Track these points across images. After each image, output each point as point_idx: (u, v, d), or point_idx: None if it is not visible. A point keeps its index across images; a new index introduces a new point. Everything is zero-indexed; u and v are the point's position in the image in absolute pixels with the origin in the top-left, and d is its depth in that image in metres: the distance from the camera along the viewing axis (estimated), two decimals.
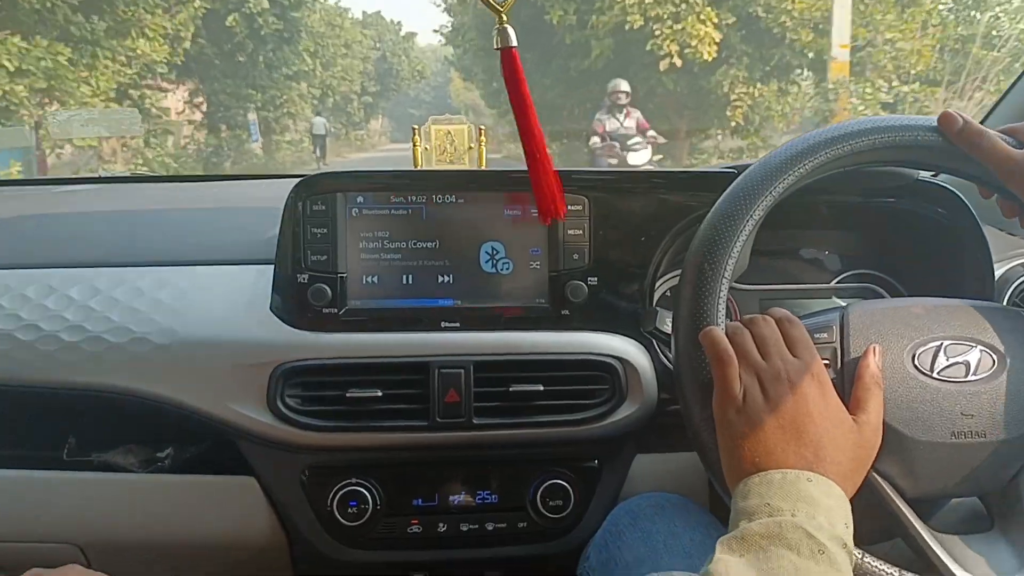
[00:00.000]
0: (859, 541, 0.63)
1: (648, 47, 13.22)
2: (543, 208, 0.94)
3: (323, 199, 1.00)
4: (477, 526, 1.03)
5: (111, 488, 1.03)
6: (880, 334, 0.74)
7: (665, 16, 12.87)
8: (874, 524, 0.70)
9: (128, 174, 2.07)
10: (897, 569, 0.67)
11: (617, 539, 0.89)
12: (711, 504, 1.01)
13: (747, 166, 0.81)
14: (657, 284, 1.08)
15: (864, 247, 1.18)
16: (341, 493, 1.00)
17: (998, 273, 1.07)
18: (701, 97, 14.16)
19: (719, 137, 15.16)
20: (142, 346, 0.97)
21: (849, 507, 0.62)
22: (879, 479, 0.70)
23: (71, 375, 0.97)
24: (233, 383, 0.96)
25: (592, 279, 1.02)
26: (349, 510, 1.00)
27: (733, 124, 13.77)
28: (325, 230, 1.00)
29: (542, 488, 1.02)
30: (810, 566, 0.56)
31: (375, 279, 1.02)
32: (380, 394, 0.96)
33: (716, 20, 12.81)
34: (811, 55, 12.85)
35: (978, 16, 11.27)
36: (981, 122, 0.76)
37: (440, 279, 1.03)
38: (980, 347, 0.73)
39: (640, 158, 8.14)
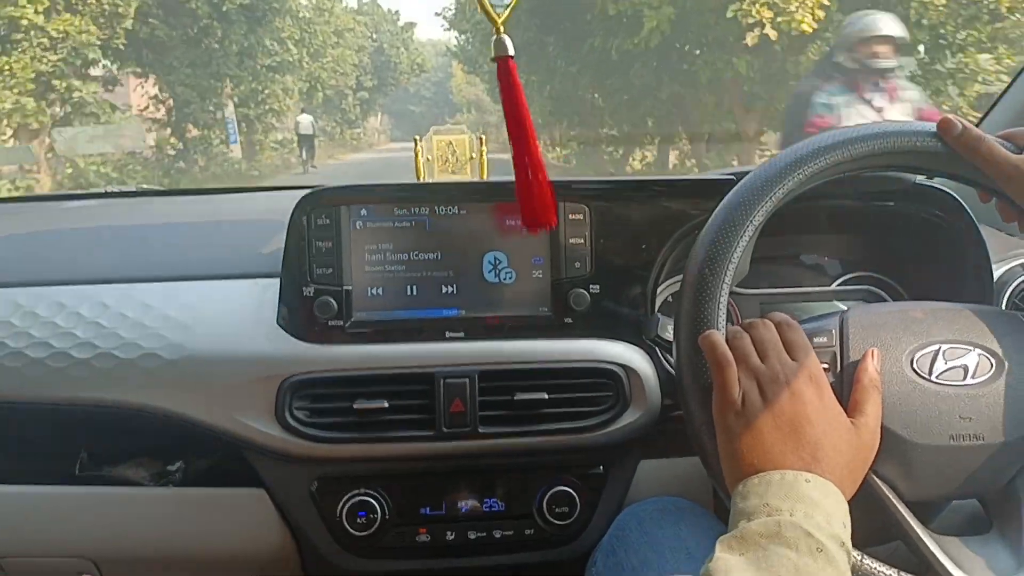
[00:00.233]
0: (858, 544, 0.64)
1: (730, 14, 10.21)
2: (529, 218, 0.94)
3: (327, 213, 1.01)
4: (485, 534, 1.04)
5: (123, 502, 1.05)
6: (879, 338, 0.75)
7: None
8: (873, 527, 0.71)
9: (135, 188, 2.06)
10: (896, 570, 0.68)
11: (623, 544, 0.90)
12: (716, 508, 1.02)
13: (746, 172, 0.82)
14: (659, 290, 1.09)
15: (863, 251, 1.19)
16: (350, 503, 1.01)
17: (997, 274, 1.08)
18: (776, 85, 11.25)
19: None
20: (152, 362, 0.98)
21: (847, 508, 0.63)
22: (878, 481, 0.71)
23: (82, 391, 0.98)
24: (242, 396, 0.97)
25: (594, 287, 1.03)
26: (358, 520, 1.01)
27: None
28: (330, 243, 1.01)
29: (548, 495, 1.03)
30: (808, 564, 0.57)
31: (380, 291, 1.03)
32: (387, 405, 0.97)
33: None
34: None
35: None
36: (976, 125, 0.77)
37: (444, 290, 1.04)
38: (978, 350, 0.74)
39: None
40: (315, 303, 1.00)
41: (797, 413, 0.67)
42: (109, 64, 13.85)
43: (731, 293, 0.78)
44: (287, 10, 19.12)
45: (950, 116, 0.77)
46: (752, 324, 0.75)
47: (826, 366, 0.74)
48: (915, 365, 0.74)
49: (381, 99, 37.80)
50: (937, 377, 0.73)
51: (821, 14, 9.73)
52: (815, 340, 0.75)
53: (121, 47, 13.05)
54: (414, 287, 1.03)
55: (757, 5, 9.92)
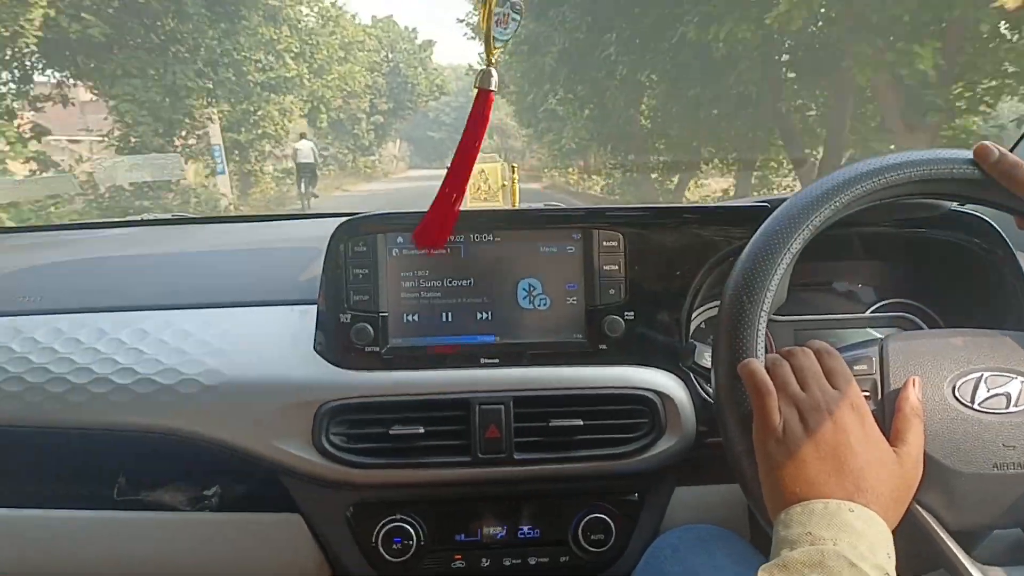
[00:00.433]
0: (903, 573, 0.63)
1: None
2: (425, 237, 1.02)
3: (364, 240, 1.03)
4: (520, 561, 1.04)
5: (160, 526, 1.06)
6: (919, 366, 0.75)
7: None
8: (917, 556, 0.70)
9: (170, 216, 2.10)
10: None
11: (659, 572, 0.89)
12: (752, 536, 1.01)
13: (782, 200, 0.82)
14: (693, 317, 1.09)
15: (898, 277, 1.18)
16: (386, 529, 1.01)
17: None
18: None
19: None
20: (191, 387, 0.99)
21: (891, 538, 0.63)
22: (921, 511, 0.71)
23: (122, 416, 0.99)
24: (279, 422, 0.98)
25: (629, 313, 1.04)
26: (394, 546, 1.01)
27: None
28: (366, 270, 1.03)
29: (583, 522, 1.03)
30: None
31: (416, 317, 1.04)
32: (423, 431, 0.98)
33: None
34: None
35: None
36: (1011, 150, 0.77)
37: (479, 316, 1.04)
38: (1020, 378, 0.73)
39: None
40: (352, 329, 1.01)
41: (840, 442, 0.67)
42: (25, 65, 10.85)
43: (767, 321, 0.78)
44: (284, 18, 16.94)
45: (987, 143, 0.77)
46: (791, 352, 0.75)
47: (866, 394, 0.74)
48: (957, 393, 0.73)
49: (398, 124, 35.20)
50: (979, 405, 0.73)
51: None
52: (855, 368, 0.75)
53: (32, 47, 9.90)
54: (449, 314, 1.04)
55: None
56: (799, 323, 1.16)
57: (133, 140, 12.32)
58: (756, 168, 12.91)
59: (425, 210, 1.02)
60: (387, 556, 1.01)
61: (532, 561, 1.04)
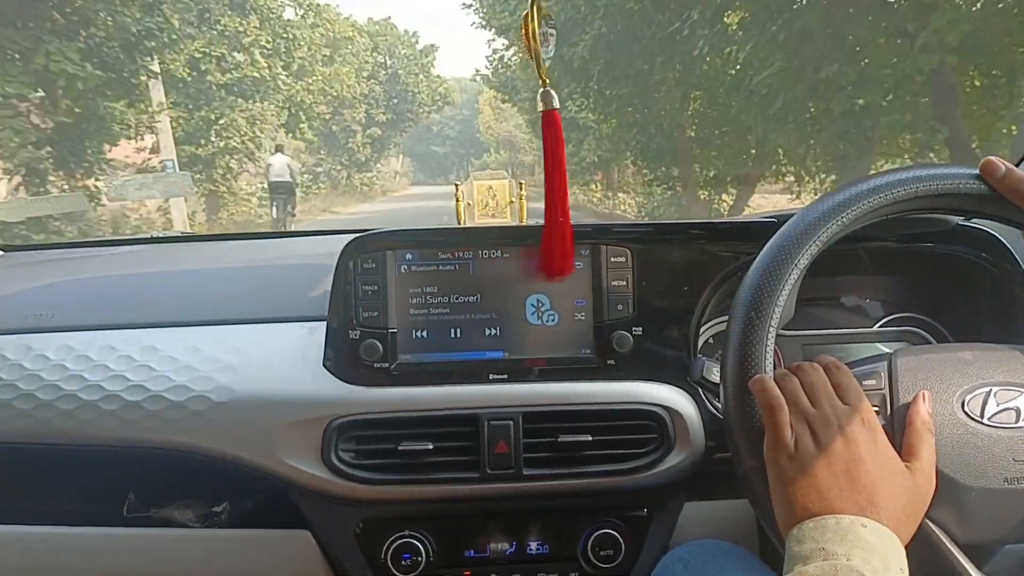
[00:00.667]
0: None
1: None
2: (551, 266, 1.00)
3: (373, 257, 1.03)
4: None
5: (169, 543, 1.06)
6: (929, 380, 0.75)
7: None
8: (928, 570, 0.70)
9: (181, 234, 2.11)
10: None
11: None
12: (761, 551, 1.01)
13: (789, 215, 0.83)
14: (701, 332, 1.09)
15: (906, 292, 1.19)
16: (395, 545, 1.01)
17: None
18: None
19: None
20: (201, 404, 1.00)
21: (904, 553, 0.63)
22: (932, 526, 0.71)
23: (133, 433, 1.00)
24: (289, 438, 0.99)
25: (637, 329, 1.04)
26: (403, 562, 1.01)
27: None
28: (375, 287, 1.03)
29: (592, 538, 1.03)
30: None
31: (424, 333, 1.04)
32: (431, 447, 0.98)
33: None
34: None
35: None
36: (1017, 165, 0.77)
37: (487, 332, 1.05)
38: None
39: None
40: (361, 346, 1.02)
41: (851, 457, 0.67)
42: None
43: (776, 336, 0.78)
44: (252, 6, 14.40)
45: (993, 158, 0.77)
46: (801, 367, 0.75)
47: (876, 409, 0.74)
48: (967, 408, 0.73)
49: (397, 137, 31.27)
50: (989, 419, 0.73)
51: None
52: (864, 383, 0.75)
53: None
54: (458, 330, 1.05)
55: None
56: (807, 338, 1.16)
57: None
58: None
59: (433, 226, 1.04)
60: (396, 572, 1.01)
61: None
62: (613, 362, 1.04)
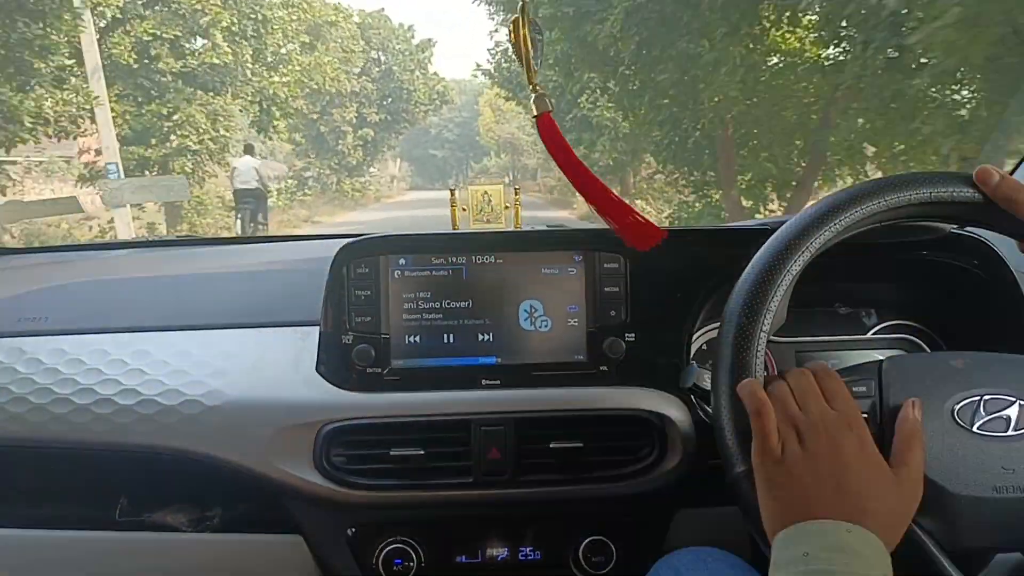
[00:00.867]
0: None
1: None
2: (635, 235, 0.88)
3: (367, 262, 1.04)
4: None
5: (161, 547, 1.06)
6: (919, 387, 0.75)
7: None
8: None
9: (174, 237, 2.09)
10: None
11: None
12: (752, 558, 1.01)
13: (782, 222, 0.83)
14: (694, 338, 1.10)
15: (898, 299, 1.19)
16: (387, 551, 1.02)
17: None
18: None
19: None
20: (193, 408, 1.00)
21: (889, 560, 0.62)
22: (920, 533, 0.70)
23: (125, 437, 1.00)
24: (281, 443, 0.99)
25: (630, 335, 1.04)
26: (394, 567, 1.01)
27: None
28: (369, 292, 1.03)
29: (584, 544, 1.03)
30: None
31: (417, 339, 1.04)
32: (423, 452, 0.98)
33: None
34: None
35: None
36: (1011, 173, 0.77)
37: (480, 338, 1.05)
38: (1020, 401, 0.74)
39: None
40: (354, 351, 1.02)
41: (838, 463, 0.67)
42: None
43: (767, 342, 0.78)
44: None
45: (988, 166, 0.77)
46: (790, 372, 0.75)
47: (865, 415, 0.74)
48: (956, 415, 0.73)
49: (392, 140, 28.35)
50: (979, 428, 0.73)
51: None
52: (854, 389, 0.75)
53: None
54: (451, 335, 1.05)
55: None
56: (799, 344, 1.16)
57: None
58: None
59: (427, 232, 1.04)
60: None
61: None
62: (606, 368, 1.04)
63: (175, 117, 11.88)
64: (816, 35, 8.70)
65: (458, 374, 1.04)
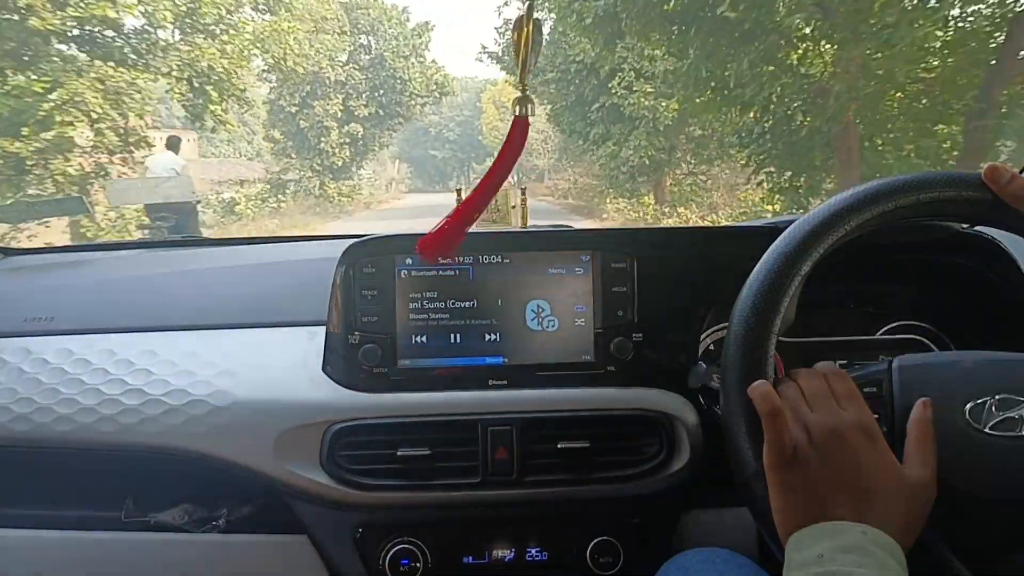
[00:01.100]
0: None
1: None
2: (433, 248, 0.89)
3: (373, 262, 1.03)
4: None
5: (167, 548, 1.06)
6: (930, 388, 0.74)
7: None
8: None
9: (180, 238, 2.08)
10: None
11: None
12: (761, 559, 1.00)
13: (790, 221, 0.82)
14: (702, 338, 1.09)
15: (908, 300, 1.18)
16: (393, 551, 1.01)
17: None
18: None
19: None
20: (199, 408, 0.99)
21: (904, 561, 0.62)
22: (934, 535, 0.70)
23: (131, 437, 0.99)
24: (287, 443, 0.98)
25: (637, 335, 1.04)
26: (401, 568, 1.01)
27: None
28: (375, 292, 1.03)
29: (592, 545, 1.03)
30: None
31: (424, 339, 1.04)
32: (429, 453, 0.98)
33: None
34: None
35: None
36: (1021, 171, 0.76)
37: (487, 337, 1.05)
38: None
39: None
40: (360, 351, 1.02)
41: (851, 463, 0.66)
42: None
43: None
44: None
45: (997, 164, 0.76)
46: (801, 374, 0.75)
47: (877, 416, 0.72)
48: (968, 416, 0.73)
49: (385, 137, 24.01)
50: (990, 428, 0.72)
51: None
52: (865, 390, 0.74)
53: None
54: (458, 335, 1.04)
55: None
56: (808, 345, 1.16)
57: None
58: None
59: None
60: None
61: None
62: (613, 368, 1.04)
63: (54, 96, 8.28)
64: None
65: (465, 374, 1.03)
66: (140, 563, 1.05)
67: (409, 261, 1.04)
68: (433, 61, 23.91)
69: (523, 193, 1.14)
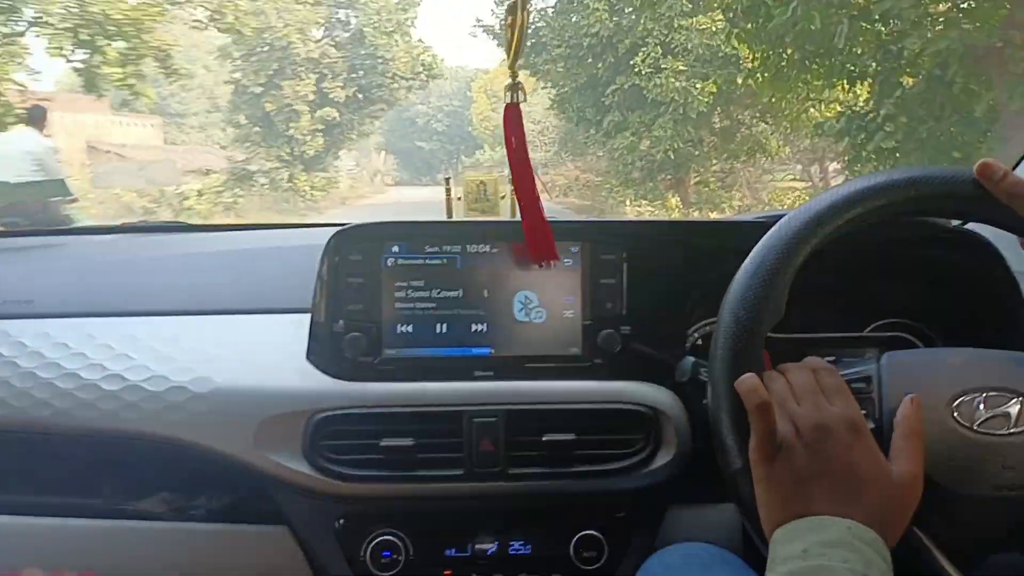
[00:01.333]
0: None
1: None
2: (537, 253, 0.99)
3: (360, 249, 1.02)
4: None
5: (145, 536, 1.04)
6: (918, 384, 0.74)
7: None
8: None
9: (163, 223, 2.05)
10: None
11: None
12: (746, 555, 1.00)
13: (780, 216, 0.82)
14: (690, 332, 1.09)
15: (897, 296, 1.18)
16: (375, 543, 1.00)
17: None
18: None
19: None
20: (180, 395, 0.98)
21: (888, 557, 0.62)
22: (919, 531, 0.69)
23: (110, 423, 0.98)
24: (269, 432, 0.97)
25: (625, 328, 1.03)
26: (382, 560, 1.00)
27: None
28: (361, 280, 1.02)
29: (576, 539, 1.02)
30: None
31: (410, 328, 1.03)
32: (412, 443, 0.97)
33: None
34: None
35: None
36: (1014, 167, 0.76)
37: (474, 328, 1.04)
38: (1020, 398, 0.72)
39: None
40: (345, 339, 1.01)
41: (837, 459, 0.66)
42: None
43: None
44: None
45: (990, 161, 0.75)
46: (789, 369, 0.74)
47: (864, 412, 0.72)
48: (956, 413, 0.72)
49: (366, 124, 20.93)
50: (979, 425, 0.72)
51: None
52: (853, 386, 0.74)
53: None
54: (444, 325, 1.04)
55: None
56: (796, 340, 1.15)
57: None
58: None
59: (421, 220, 1.03)
60: (375, 570, 1.00)
61: None
62: (601, 361, 1.03)
63: None
64: None
65: (451, 365, 1.03)
66: (117, 551, 1.03)
67: (396, 249, 1.03)
68: (420, 40, 20.33)
69: (511, 183, 1.13)
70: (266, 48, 15.44)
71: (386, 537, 1.00)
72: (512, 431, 0.98)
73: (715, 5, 7.90)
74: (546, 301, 1.04)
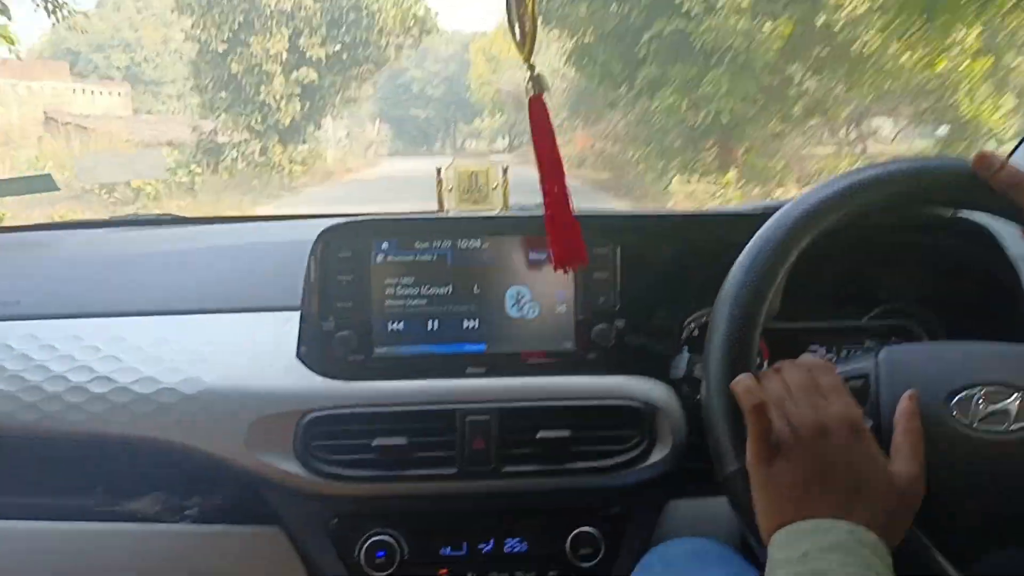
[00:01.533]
0: None
1: None
2: (561, 257, 0.89)
3: (349, 245, 1.01)
4: (507, 575, 1.02)
5: (138, 539, 1.03)
6: (916, 380, 0.72)
7: None
8: None
9: (146, 216, 1.99)
10: None
11: None
12: (743, 549, 1.00)
13: (777, 207, 0.80)
14: (685, 325, 1.08)
15: (896, 285, 1.17)
16: (369, 543, 0.99)
17: None
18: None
19: None
20: (169, 396, 0.97)
21: (890, 559, 0.61)
22: (918, 531, 0.68)
23: (99, 426, 0.97)
24: (260, 432, 0.96)
25: (619, 322, 1.02)
26: (377, 560, 0.99)
27: None
28: (351, 277, 1.01)
29: (572, 536, 1.01)
30: None
31: (401, 325, 1.02)
32: (405, 442, 0.96)
33: None
34: None
35: None
36: (1008, 156, 0.75)
37: (466, 324, 1.03)
38: (1019, 394, 0.71)
39: None
40: (335, 337, 1.00)
41: (835, 459, 0.65)
42: None
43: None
44: None
45: (987, 152, 0.75)
46: (785, 367, 0.73)
47: (863, 410, 0.71)
48: (955, 409, 0.71)
49: (352, 88, 17.11)
50: (979, 422, 0.70)
51: None
52: (850, 383, 0.73)
53: None
54: (436, 321, 1.03)
55: None
56: (794, 331, 1.14)
57: None
58: None
59: (411, 215, 1.02)
60: (370, 570, 0.99)
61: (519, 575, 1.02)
62: (594, 356, 1.03)
63: None
64: None
65: (443, 362, 1.02)
66: (109, 553, 1.03)
67: (385, 245, 1.02)
68: None
69: (504, 173, 1.11)
70: None
71: (380, 537, 1.00)
72: (505, 429, 0.97)
73: None
74: (539, 296, 1.03)
